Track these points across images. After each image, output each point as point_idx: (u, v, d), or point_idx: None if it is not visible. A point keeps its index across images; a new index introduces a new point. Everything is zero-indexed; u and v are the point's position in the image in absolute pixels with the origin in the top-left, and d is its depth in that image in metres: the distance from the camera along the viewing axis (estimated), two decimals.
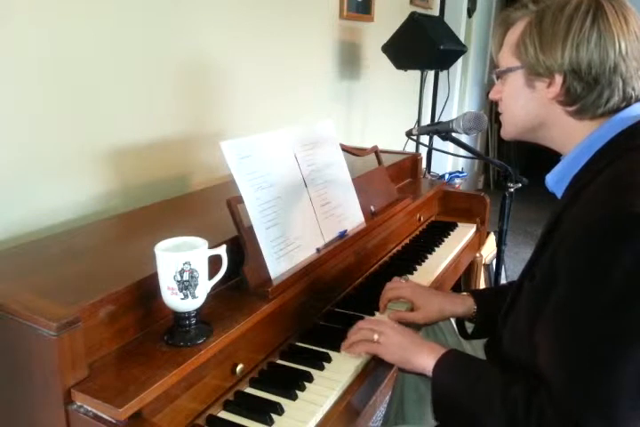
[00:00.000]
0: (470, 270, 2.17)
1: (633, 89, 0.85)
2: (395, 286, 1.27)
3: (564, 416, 0.74)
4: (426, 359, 0.95)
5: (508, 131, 0.99)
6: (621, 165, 0.81)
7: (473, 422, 0.87)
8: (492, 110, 4.65)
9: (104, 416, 0.75)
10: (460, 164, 4.56)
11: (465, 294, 1.23)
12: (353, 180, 1.46)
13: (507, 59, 0.92)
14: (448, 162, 4.29)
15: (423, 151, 2.91)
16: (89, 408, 0.76)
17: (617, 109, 0.86)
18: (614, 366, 0.72)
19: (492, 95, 0.99)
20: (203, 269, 0.89)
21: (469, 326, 1.24)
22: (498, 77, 0.96)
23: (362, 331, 1.08)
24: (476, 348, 1.28)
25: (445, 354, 0.95)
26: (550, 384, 0.77)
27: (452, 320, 1.32)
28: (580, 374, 0.75)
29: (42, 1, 1.23)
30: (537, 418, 0.77)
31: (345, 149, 1.49)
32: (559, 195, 0.93)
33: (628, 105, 0.86)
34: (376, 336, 1.04)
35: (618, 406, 0.72)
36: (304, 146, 1.32)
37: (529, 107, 0.91)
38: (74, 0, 1.29)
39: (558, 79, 0.85)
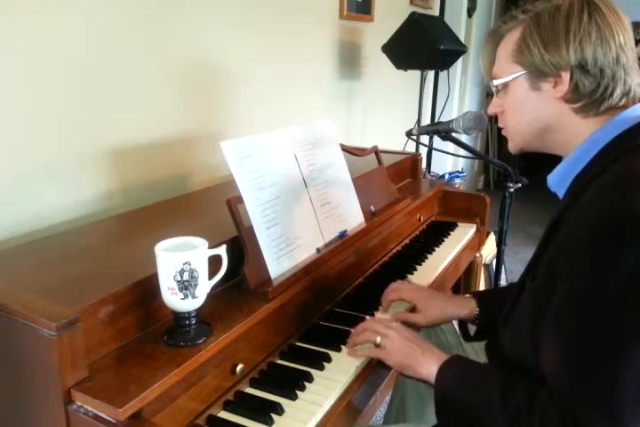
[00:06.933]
0: (470, 270, 2.17)
1: (632, 80, 0.86)
2: (396, 288, 1.26)
3: (565, 415, 0.74)
4: (429, 368, 0.94)
5: (516, 142, 0.97)
6: (622, 166, 0.80)
7: None
8: None
9: (104, 416, 0.75)
10: (460, 164, 4.56)
11: (467, 295, 1.22)
12: (353, 180, 1.46)
13: (506, 68, 0.92)
14: (448, 162, 4.28)
15: (423, 151, 2.90)
16: (89, 408, 0.76)
17: (617, 106, 0.86)
18: (617, 366, 0.72)
19: (492, 109, 0.98)
20: (203, 269, 0.89)
21: (472, 329, 1.23)
22: (497, 91, 0.95)
23: (366, 333, 1.07)
24: (477, 349, 1.27)
25: (447, 362, 0.94)
26: (552, 384, 0.77)
27: (454, 322, 1.32)
28: (583, 373, 0.74)
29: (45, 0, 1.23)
30: (540, 418, 0.77)
31: (345, 149, 1.49)
32: (561, 195, 0.93)
33: (626, 105, 0.86)
34: (379, 339, 1.03)
35: (621, 406, 0.72)
36: (304, 146, 1.31)
37: (535, 110, 0.90)
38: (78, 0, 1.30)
39: (565, 76, 0.85)
